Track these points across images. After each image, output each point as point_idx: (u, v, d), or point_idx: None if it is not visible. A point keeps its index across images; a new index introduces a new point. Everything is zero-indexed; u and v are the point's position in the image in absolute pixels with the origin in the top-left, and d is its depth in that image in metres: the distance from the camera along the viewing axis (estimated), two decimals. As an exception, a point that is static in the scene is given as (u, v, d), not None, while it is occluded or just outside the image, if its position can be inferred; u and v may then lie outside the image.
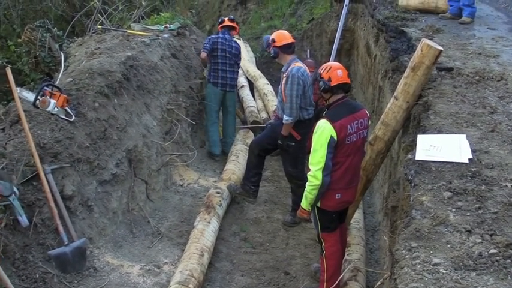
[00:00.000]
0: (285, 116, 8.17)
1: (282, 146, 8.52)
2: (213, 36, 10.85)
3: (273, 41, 8.31)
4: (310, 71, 8.66)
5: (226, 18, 11.04)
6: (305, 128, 8.33)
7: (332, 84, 6.15)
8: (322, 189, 6.10)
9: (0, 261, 5.72)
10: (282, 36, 8.39)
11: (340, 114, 6.09)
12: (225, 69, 10.62)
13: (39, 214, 6.49)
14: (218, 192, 8.85)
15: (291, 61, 8.26)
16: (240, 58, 11.16)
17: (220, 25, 11.01)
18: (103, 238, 7.42)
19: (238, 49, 10.88)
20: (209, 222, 7.91)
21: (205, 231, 7.67)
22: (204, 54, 10.51)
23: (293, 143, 8.41)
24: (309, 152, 6.25)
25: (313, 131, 6.24)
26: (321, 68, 6.34)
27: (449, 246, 3.99)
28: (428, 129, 5.73)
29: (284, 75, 8.20)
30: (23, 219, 6.15)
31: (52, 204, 6.53)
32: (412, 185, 4.93)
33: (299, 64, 8.27)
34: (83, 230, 7.09)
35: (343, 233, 6.96)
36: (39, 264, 6.34)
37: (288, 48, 8.32)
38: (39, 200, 6.51)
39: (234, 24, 11.00)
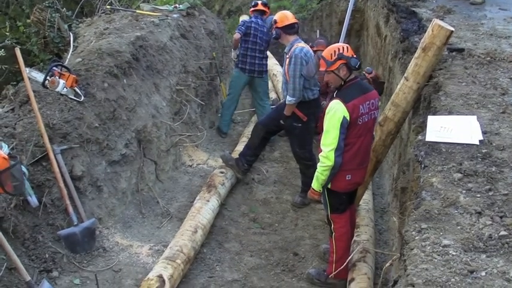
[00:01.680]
0: (288, 96, 8.19)
1: (285, 126, 8.53)
2: (247, 20, 10.74)
3: (275, 21, 8.33)
4: (320, 50, 8.63)
5: (259, 2, 10.81)
6: (311, 108, 8.34)
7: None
8: (334, 170, 6.08)
9: (11, 241, 5.74)
10: (284, 17, 8.41)
11: (353, 95, 6.05)
12: (254, 55, 10.56)
13: (49, 194, 6.52)
14: (222, 172, 8.87)
15: (294, 42, 8.28)
16: (269, 43, 11.06)
17: (253, 9, 10.89)
18: (112, 218, 7.45)
19: (269, 34, 10.80)
20: (208, 201, 7.95)
21: (202, 209, 7.71)
22: (237, 35, 10.41)
23: (299, 124, 8.42)
24: (320, 133, 6.22)
25: (323, 112, 6.21)
26: (336, 50, 6.19)
27: (459, 228, 3.98)
28: (439, 110, 5.71)
29: (287, 56, 8.20)
30: (33, 200, 6.18)
31: (61, 184, 6.55)
32: (422, 166, 4.91)
33: (302, 44, 8.29)
34: (92, 211, 7.12)
35: (353, 214, 6.95)
36: (48, 244, 6.38)
37: (290, 29, 8.33)
38: (48, 180, 6.54)
39: (267, 9, 10.87)
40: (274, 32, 8.39)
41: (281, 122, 8.49)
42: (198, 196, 8.18)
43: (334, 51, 6.13)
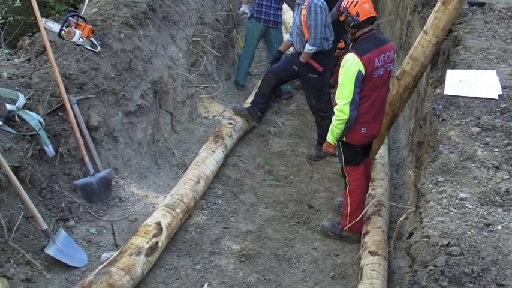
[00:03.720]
0: (308, 45, 8.18)
1: (301, 78, 8.60)
2: None
3: None
4: None
5: None
6: (326, 58, 8.36)
7: (360, 20, 6.02)
8: (349, 123, 6.07)
9: (28, 190, 5.79)
10: None
11: (368, 48, 6.00)
12: (269, 5, 10.39)
13: (65, 144, 6.55)
14: (230, 124, 8.87)
15: None
16: None
17: None
18: (128, 169, 7.49)
19: None
20: (214, 151, 7.95)
21: (207, 159, 7.73)
22: None
23: (315, 75, 8.42)
24: (335, 86, 6.19)
25: (338, 64, 6.18)
26: (346, 2, 6.17)
27: (476, 181, 3.97)
28: (458, 65, 5.65)
29: (303, 6, 8.14)
30: (49, 149, 6.22)
31: (78, 134, 6.58)
32: (440, 119, 4.89)
33: None
34: (109, 161, 7.17)
35: (367, 167, 6.96)
36: (65, 193, 6.45)
37: None
38: (65, 130, 6.57)
39: None
40: None
41: (294, 67, 8.48)
42: (204, 145, 8.20)
43: (344, 3, 6.12)
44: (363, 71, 5.90)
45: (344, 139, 6.35)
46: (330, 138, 6.32)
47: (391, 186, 7.70)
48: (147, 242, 5.88)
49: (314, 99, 8.67)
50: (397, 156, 8.78)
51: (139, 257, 5.70)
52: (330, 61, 8.48)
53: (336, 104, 6.09)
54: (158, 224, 6.19)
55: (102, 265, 5.57)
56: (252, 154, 8.92)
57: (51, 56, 6.58)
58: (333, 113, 6.15)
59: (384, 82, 6.25)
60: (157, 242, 6.00)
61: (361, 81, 5.97)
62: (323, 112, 8.62)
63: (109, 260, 5.65)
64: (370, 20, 6.13)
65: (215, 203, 7.48)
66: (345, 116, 6.00)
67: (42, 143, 6.14)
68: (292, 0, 12.61)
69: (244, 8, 10.73)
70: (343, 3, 6.16)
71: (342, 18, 6.19)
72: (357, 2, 6.06)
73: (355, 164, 6.56)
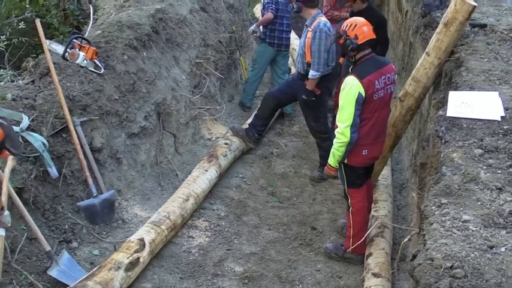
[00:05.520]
0: (311, 71, 8.20)
1: (306, 100, 8.54)
2: None
3: None
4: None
5: None
6: (324, 82, 8.41)
7: (359, 42, 6.05)
8: (350, 146, 6.08)
9: (31, 211, 5.80)
10: None
11: (368, 70, 6.02)
12: (281, 30, 10.49)
13: (69, 166, 6.57)
14: (226, 144, 8.89)
15: (316, 15, 8.27)
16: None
17: None
18: (131, 190, 7.50)
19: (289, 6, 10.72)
20: (206, 171, 7.97)
21: (198, 178, 7.75)
22: (271, 16, 10.25)
23: (313, 98, 8.47)
24: (336, 108, 6.21)
25: (338, 87, 6.20)
26: (345, 24, 6.19)
27: (479, 203, 3.96)
28: (460, 86, 5.66)
29: (310, 29, 8.18)
30: (53, 171, 6.23)
31: (81, 156, 6.60)
32: (443, 141, 4.88)
33: (324, 19, 8.29)
34: (112, 182, 7.17)
35: (370, 189, 6.95)
36: (68, 215, 6.45)
37: (311, 2, 8.30)
38: (68, 152, 6.58)
39: None
40: (295, 6, 8.39)
41: (303, 97, 8.49)
42: (197, 165, 8.23)
43: (343, 26, 6.15)
44: (363, 94, 5.92)
45: (346, 161, 6.35)
46: (332, 160, 6.33)
47: (394, 208, 7.69)
48: (128, 258, 5.92)
49: (313, 121, 8.74)
50: (400, 178, 8.78)
51: (118, 271, 5.72)
52: (328, 84, 8.50)
53: (337, 127, 6.11)
54: (141, 240, 6.23)
55: (79, 279, 5.56)
56: (255, 176, 8.93)
57: (55, 78, 6.62)
58: (335, 135, 6.17)
59: (385, 104, 6.26)
60: (138, 258, 6.03)
61: (362, 104, 5.99)
62: (323, 134, 8.68)
63: (87, 275, 5.66)
64: (370, 42, 6.16)
65: (218, 225, 7.47)
66: (346, 138, 6.01)
67: (45, 165, 6.16)
68: (296, 23, 12.69)
69: (254, 27, 10.74)
70: (342, 27, 6.19)
71: (341, 41, 6.19)
72: (356, 24, 6.09)
73: (358, 186, 6.56)
